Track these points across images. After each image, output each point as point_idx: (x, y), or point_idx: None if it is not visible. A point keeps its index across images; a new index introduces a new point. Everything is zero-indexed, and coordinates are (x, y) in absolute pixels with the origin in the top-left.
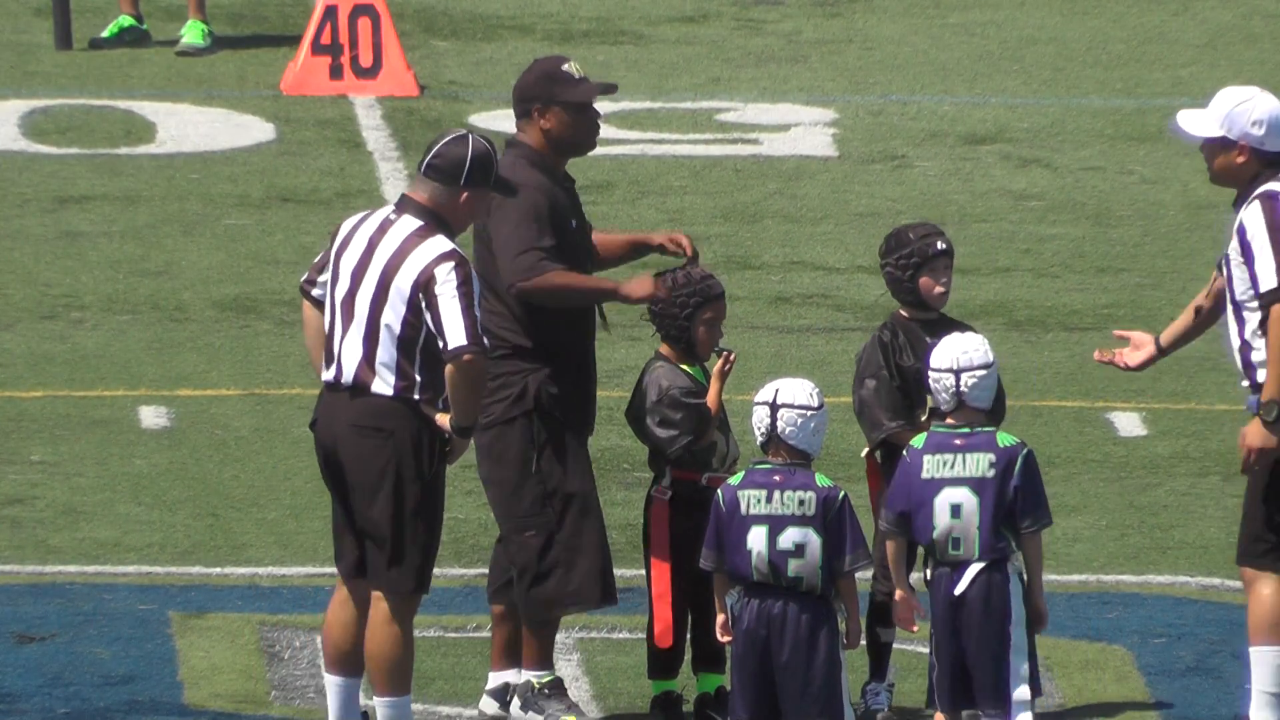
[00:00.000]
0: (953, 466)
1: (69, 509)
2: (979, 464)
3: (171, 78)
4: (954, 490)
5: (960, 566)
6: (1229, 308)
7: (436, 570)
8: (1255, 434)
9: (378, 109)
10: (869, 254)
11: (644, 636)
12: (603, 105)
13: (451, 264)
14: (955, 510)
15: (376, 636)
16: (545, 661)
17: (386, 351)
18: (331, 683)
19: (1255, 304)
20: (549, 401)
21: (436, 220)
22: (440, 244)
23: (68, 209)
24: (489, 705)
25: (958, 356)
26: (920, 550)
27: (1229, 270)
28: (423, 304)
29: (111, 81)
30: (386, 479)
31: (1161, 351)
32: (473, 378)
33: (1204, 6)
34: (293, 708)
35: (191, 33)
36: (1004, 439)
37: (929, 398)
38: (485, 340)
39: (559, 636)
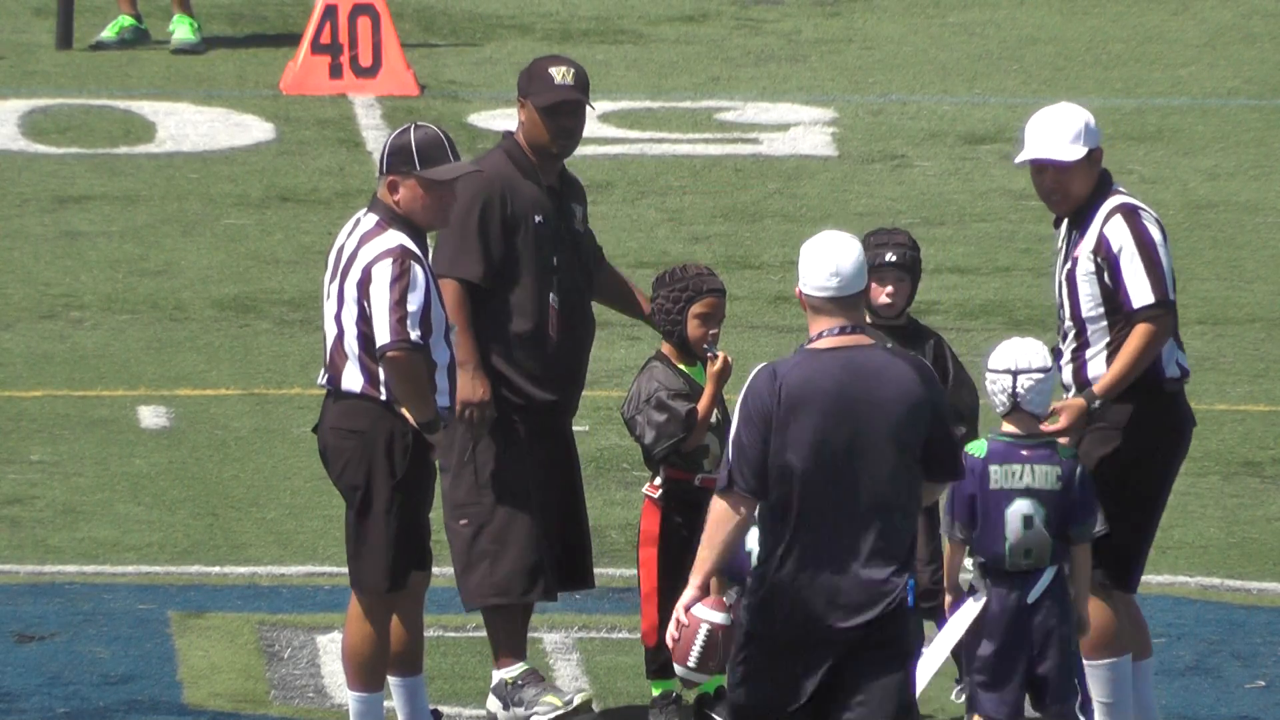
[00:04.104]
0: (1021, 478)
1: (68, 509)
2: (1047, 476)
3: (171, 77)
4: (1024, 501)
5: (1029, 575)
6: (1069, 323)
7: (436, 570)
8: (1075, 412)
9: (377, 108)
10: None
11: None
12: (603, 105)
13: (388, 260)
14: (1028, 521)
15: (349, 632)
16: (512, 657)
17: (351, 351)
18: (390, 684)
19: (1104, 320)
20: (494, 395)
21: (392, 215)
22: (385, 242)
23: (67, 209)
24: (493, 703)
25: (1016, 359)
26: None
27: (1074, 285)
28: (366, 304)
29: (111, 81)
30: (359, 478)
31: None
32: (403, 374)
33: (1204, 6)
34: (292, 707)
35: (180, 28)
36: (1063, 451)
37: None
38: (416, 334)
39: (558, 636)
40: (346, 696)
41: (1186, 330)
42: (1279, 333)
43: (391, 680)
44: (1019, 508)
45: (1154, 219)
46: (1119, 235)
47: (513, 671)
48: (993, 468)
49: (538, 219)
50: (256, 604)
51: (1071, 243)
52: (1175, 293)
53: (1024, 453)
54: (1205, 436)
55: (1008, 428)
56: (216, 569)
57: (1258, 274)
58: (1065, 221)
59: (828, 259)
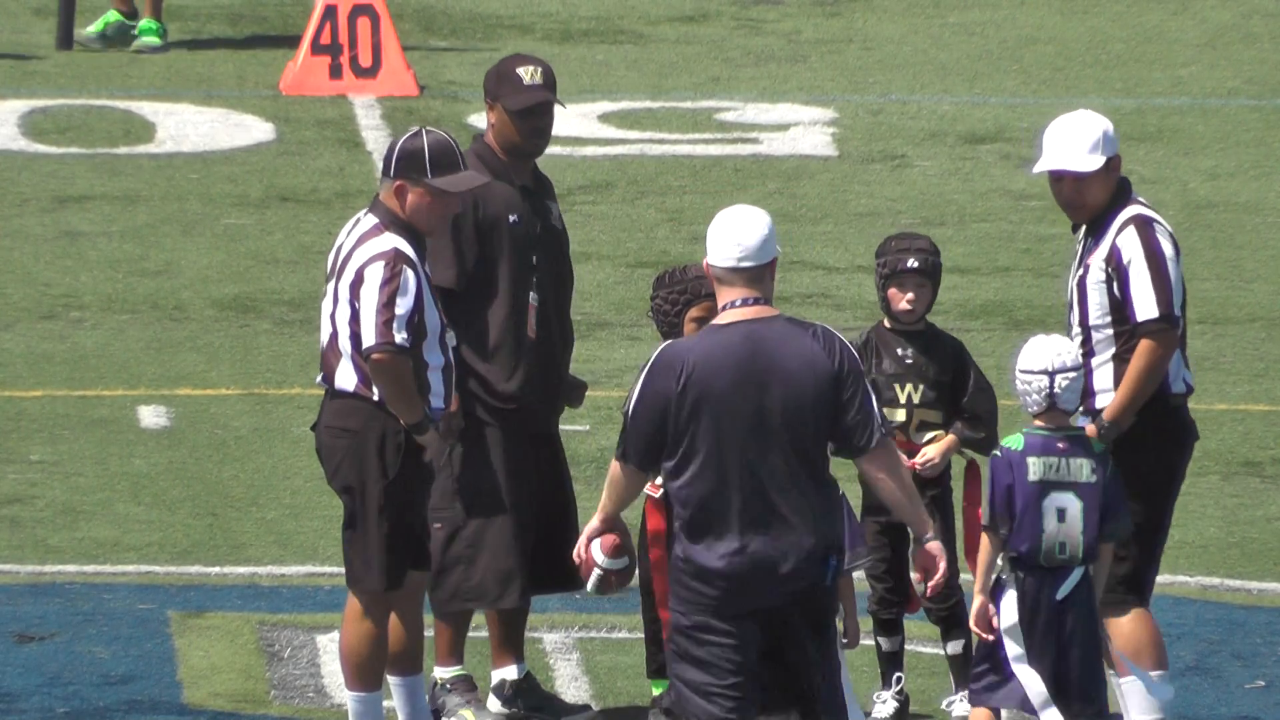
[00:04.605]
0: (1058, 470)
1: (68, 508)
2: (1083, 469)
3: (171, 78)
4: (1060, 495)
5: (1058, 571)
6: (1076, 329)
7: None
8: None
9: (377, 109)
10: (869, 254)
11: (643, 636)
12: (603, 105)
13: (380, 263)
14: (1061, 514)
15: (347, 632)
16: (453, 658)
17: (344, 350)
18: (390, 684)
19: (1110, 330)
20: (470, 399)
21: (391, 218)
22: (380, 244)
23: (67, 209)
24: (493, 703)
25: (1052, 359)
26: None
27: (1083, 292)
28: (357, 304)
29: (111, 81)
30: (352, 477)
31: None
32: (387, 376)
33: (1204, 6)
34: (292, 707)
35: (146, 32)
36: (1095, 445)
37: (886, 409)
38: (401, 337)
39: (558, 636)
40: (345, 696)
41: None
42: (1279, 333)
43: (391, 680)
44: (1055, 501)
45: (1167, 232)
46: (1130, 247)
47: (447, 673)
48: (1031, 460)
49: (513, 219)
50: (256, 604)
51: (1086, 249)
52: (1184, 309)
53: (1060, 446)
54: (1205, 436)
55: (1040, 424)
56: (216, 569)
57: (1258, 274)
58: (1084, 227)
59: (732, 231)
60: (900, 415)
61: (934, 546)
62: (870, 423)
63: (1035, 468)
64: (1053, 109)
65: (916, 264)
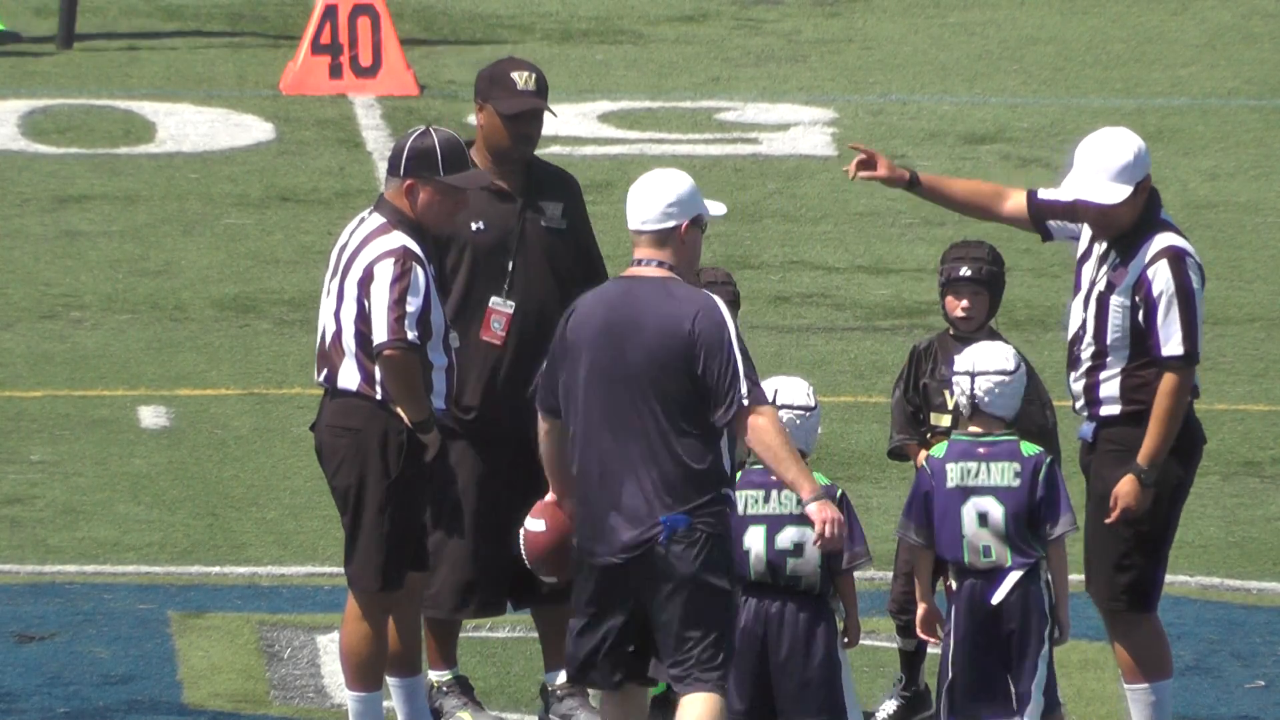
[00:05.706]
0: (977, 475)
1: (69, 508)
2: (1005, 473)
3: (171, 78)
4: (981, 499)
5: (993, 575)
6: (1090, 338)
7: None
8: (1132, 494)
9: (377, 108)
10: (868, 253)
11: None
12: (603, 105)
13: (390, 260)
14: (983, 518)
15: (347, 632)
16: (444, 662)
17: (348, 348)
18: (390, 684)
19: (1125, 350)
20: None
21: (398, 217)
22: (388, 242)
23: (67, 209)
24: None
25: (974, 360)
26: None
27: (1103, 309)
28: (366, 302)
29: (111, 81)
30: (353, 477)
31: (911, 185)
32: (397, 373)
33: (1204, 6)
34: (292, 707)
35: None
36: (1027, 448)
37: (934, 414)
38: (413, 334)
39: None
40: (345, 696)
41: None
42: (1279, 333)
43: (391, 681)
44: (974, 505)
45: (1196, 265)
46: (1162, 281)
47: (443, 676)
48: (949, 466)
49: (476, 226)
50: (256, 604)
51: (1111, 264)
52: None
53: (981, 450)
54: (1206, 437)
55: (971, 428)
56: (216, 569)
57: (1258, 274)
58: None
59: (636, 195)
60: (945, 421)
61: (812, 510)
62: (731, 392)
63: (953, 473)
64: (1052, 109)
65: (969, 272)
